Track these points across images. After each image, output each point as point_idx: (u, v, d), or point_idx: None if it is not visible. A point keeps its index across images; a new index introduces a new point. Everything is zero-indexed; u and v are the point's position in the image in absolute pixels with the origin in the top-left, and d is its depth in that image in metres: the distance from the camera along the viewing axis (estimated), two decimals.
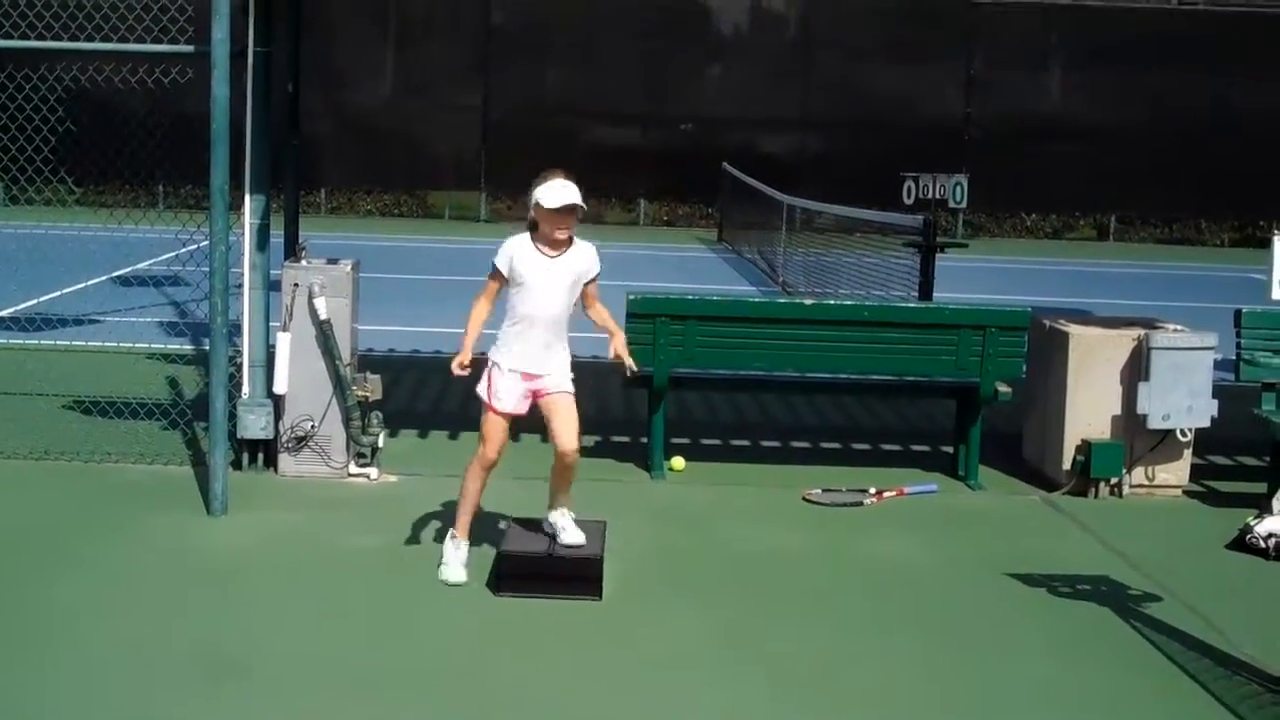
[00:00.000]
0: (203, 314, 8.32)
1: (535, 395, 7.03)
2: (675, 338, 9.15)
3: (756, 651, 6.43)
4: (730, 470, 9.68)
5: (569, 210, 6.83)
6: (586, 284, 7.05)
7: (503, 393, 6.98)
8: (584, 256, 7.03)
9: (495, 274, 7.00)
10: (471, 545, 7.26)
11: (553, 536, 7.21)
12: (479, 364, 7.04)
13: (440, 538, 7.69)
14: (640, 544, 7.75)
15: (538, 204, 6.84)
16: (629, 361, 7.12)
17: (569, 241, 6.97)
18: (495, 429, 7.03)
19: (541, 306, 6.92)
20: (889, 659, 6.41)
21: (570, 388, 7.05)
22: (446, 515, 8.10)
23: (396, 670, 6.03)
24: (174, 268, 10.15)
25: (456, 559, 7.20)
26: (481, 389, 7.06)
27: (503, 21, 26.10)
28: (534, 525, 7.33)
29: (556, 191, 6.80)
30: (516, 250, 6.96)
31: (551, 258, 6.93)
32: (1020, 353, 9.33)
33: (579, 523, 7.27)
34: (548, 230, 6.89)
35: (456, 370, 6.93)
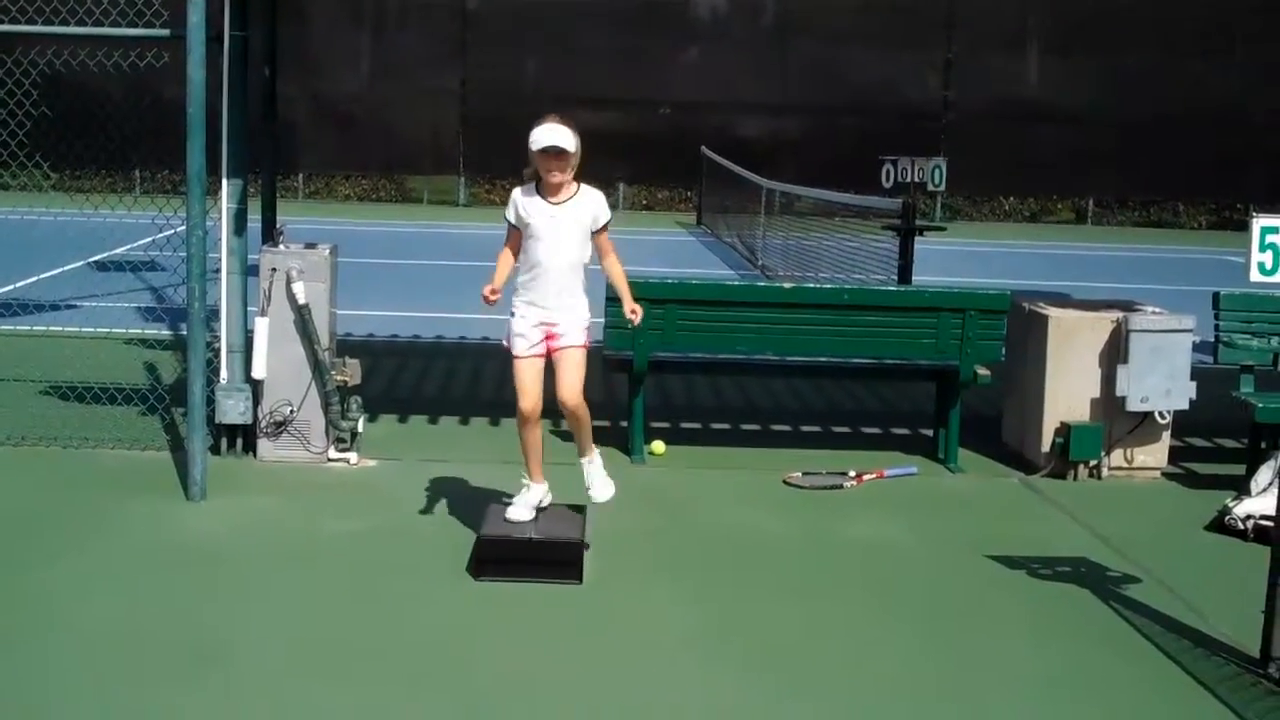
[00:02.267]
0: (180, 299, 8.30)
1: (549, 346, 7.04)
2: (655, 322, 9.13)
3: (737, 634, 6.44)
4: (710, 454, 9.68)
5: (555, 153, 6.85)
6: (596, 233, 7.07)
7: (519, 337, 7.04)
8: (590, 203, 7.05)
9: (509, 226, 7.10)
10: (451, 532, 7.25)
11: (532, 521, 7.21)
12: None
13: (420, 522, 7.72)
14: (620, 527, 7.75)
15: (530, 146, 6.89)
16: (635, 318, 7.12)
17: (568, 187, 6.99)
18: (522, 377, 7.04)
19: (548, 254, 6.97)
20: (868, 640, 6.42)
21: (579, 340, 7.06)
22: (427, 500, 8.12)
23: (377, 654, 6.02)
24: (151, 253, 10.12)
25: (523, 499, 7.25)
26: (505, 339, 7.13)
27: (479, 6, 26.01)
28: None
29: (543, 132, 6.84)
30: (521, 198, 7.04)
31: (555, 204, 6.97)
32: (999, 336, 9.34)
33: (557, 507, 7.26)
34: (542, 172, 6.93)
35: (486, 292, 6.92)
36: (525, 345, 7.04)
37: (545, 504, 7.31)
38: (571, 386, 7.01)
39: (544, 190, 6.98)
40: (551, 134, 6.83)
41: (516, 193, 7.06)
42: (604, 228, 7.10)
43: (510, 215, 7.08)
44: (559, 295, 7.00)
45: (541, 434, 7.22)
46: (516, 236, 7.10)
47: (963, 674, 6.11)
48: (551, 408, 7.16)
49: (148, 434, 9.20)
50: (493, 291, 6.95)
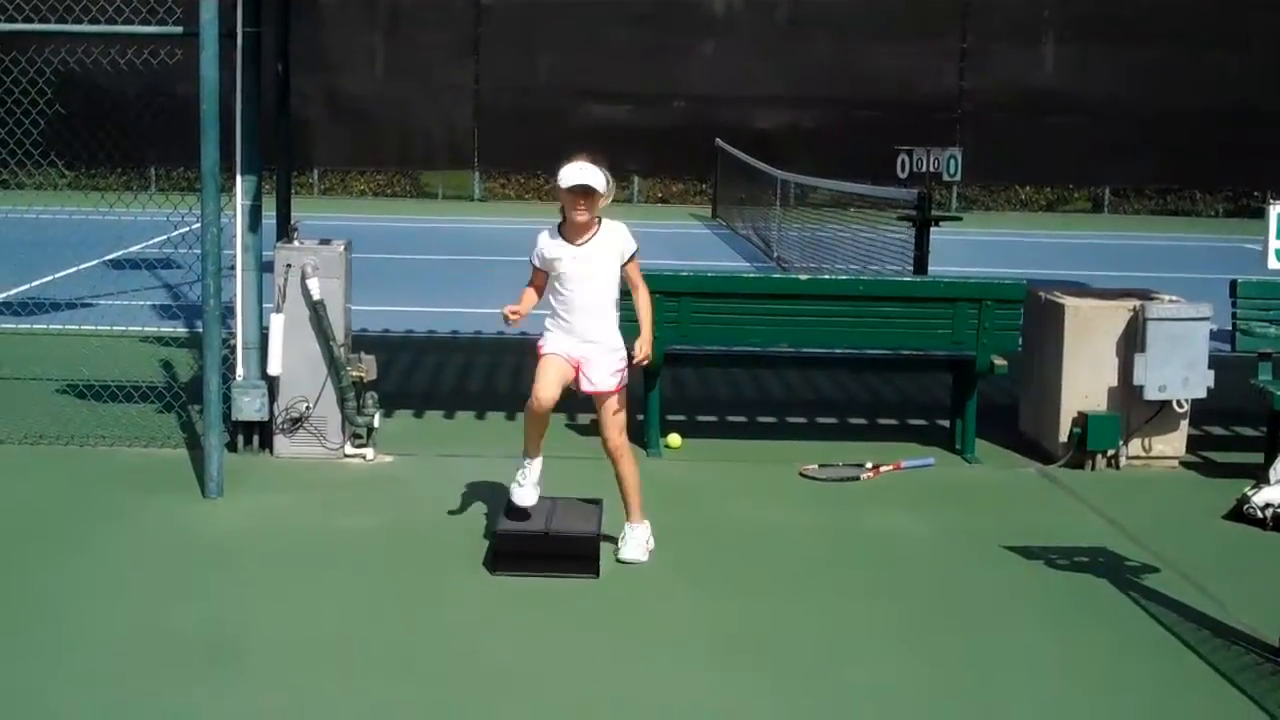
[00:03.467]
0: (196, 296, 8.29)
1: (580, 374, 7.01)
2: (670, 314, 9.13)
3: (754, 627, 6.43)
4: (726, 447, 9.67)
5: (582, 191, 6.83)
6: (625, 265, 7.05)
7: (551, 339, 7.03)
8: (614, 238, 7.02)
9: (534, 270, 7.10)
10: (468, 527, 7.24)
11: (549, 516, 7.20)
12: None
13: (436, 517, 7.73)
14: None
15: (558, 184, 6.88)
16: (641, 354, 7.08)
17: (592, 225, 6.95)
18: (544, 369, 6.99)
19: (575, 294, 6.96)
20: (887, 633, 6.41)
21: (607, 386, 7.03)
22: (443, 495, 8.12)
23: (394, 650, 6.02)
24: (166, 250, 10.13)
25: (525, 479, 7.21)
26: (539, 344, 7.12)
27: (493, 1, 25.97)
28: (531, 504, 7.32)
29: (572, 172, 6.82)
30: (544, 242, 7.04)
31: (577, 245, 6.95)
32: (1016, 325, 9.31)
33: (573, 500, 7.26)
34: (568, 210, 6.92)
35: (506, 311, 6.88)
36: (556, 346, 7.02)
37: (621, 541, 7.26)
38: (614, 426, 7.06)
39: (567, 232, 6.97)
40: (580, 173, 6.81)
41: (541, 237, 7.05)
42: (632, 258, 7.07)
43: (535, 260, 7.07)
44: (589, 330, 6.99)
45: (547, 423, 7.17)
46: (541, 277, 7.10)
47: (981, 664, 6.09)
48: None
49: (164, 432, 9.22)
50: (513, 311, 6.90)
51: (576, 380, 7.05)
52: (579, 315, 6.97)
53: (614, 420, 7.07)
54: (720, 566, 7.23)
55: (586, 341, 6.99)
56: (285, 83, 9.70)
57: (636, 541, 7.21)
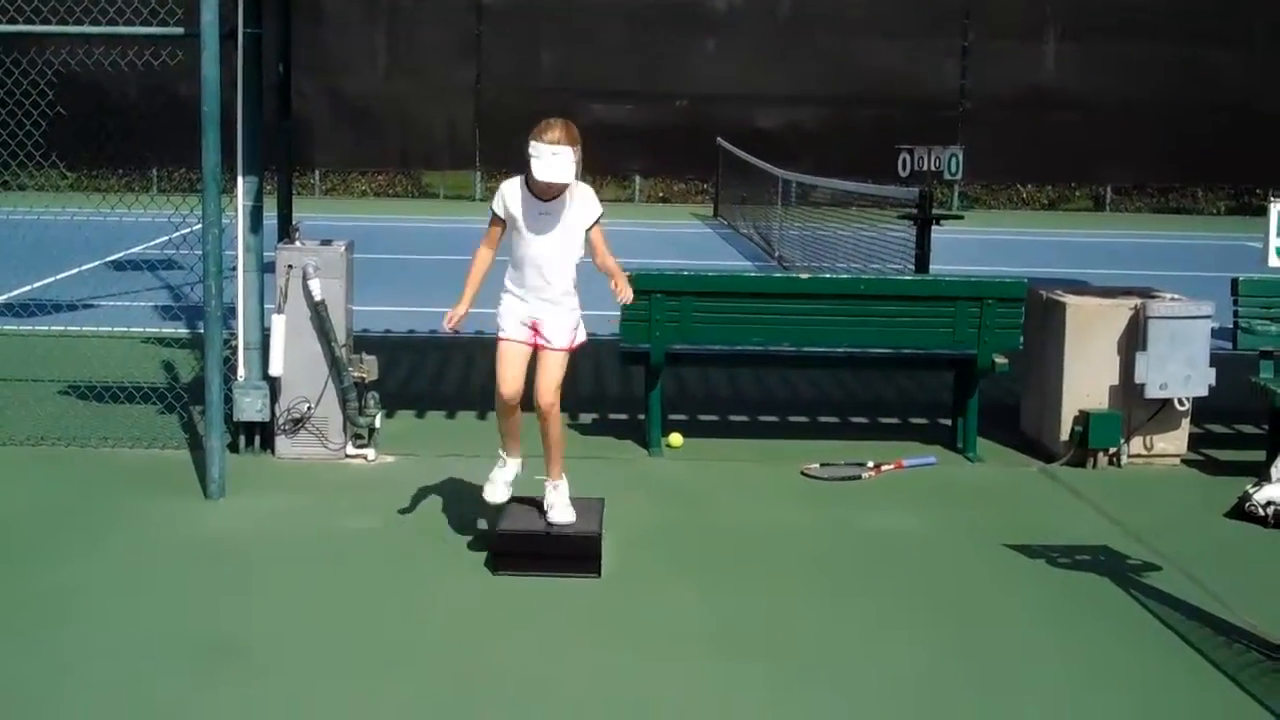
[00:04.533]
0: (197, 297, 8.30)
1: (536, 331, 6.93)
2: (671, 314, 9.13)
3: (756, 627, 6.43)
4: (728, 446, 9.67)
5: (555, 187, 6.74)
6: (588, 230, 6.90)
7: (506, 313, 6.95)
8: (579, 202, 6.86)
9: (494, 219, 6.95)
10: (469, 527, 7.24)
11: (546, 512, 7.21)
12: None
13: (438, 518, 7.72)
14: (638, 521, 7.75)
15: (528, 150, 6.71)
16: (624, 293, 6.91)
17: (562, 189, 6.79)
18: (503, 359, 6.91)
19: (536, 251, 6.84)
20: (888, 632, 6.41)
21: (561, 344, 6.94)
22: (445, 495, 8.12)
23: (396, 651, 6.02)
24: (168, 251, 10.13)
25: (498, 476, 7.18)
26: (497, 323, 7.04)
27: (493, 0, 25.98)
28: (532, 503, 7.31)
29: (545, 162, 6.62)
30: (509, 192, 6.86)
31: (544, 201, 6.80)
32: (1017, 324, 9.31)
33: (575, 500, 7.26)
34: (537, 188, 6.80)
35: (446, 326, 6.88)
36: (509, 328, 6.93)
37: (520, 477, 7.23)
38: (546, 387, 6.89)
39: (535, 187, 6.80)
40: (549, 168, 6.63)
41: (505, 185, 6.86)
42: (596, 222, 6.91)
43: (498, 208, 6.89)
44: (546, 291, 6.88)
45: (521, 418, 7.09)
46: (498, 231, 6.95)
47: (983, 663, 6.09)
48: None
49: (166, 433, 9.22)
50: (450, 321, 6.87)
51: (534, 346, 6.95)
52: (538, 272, 6.84)
53: (552, 379, 6.90)
54: (721, 565, 7.23)
55: (544, 300, 6.88)
56: (286, 83, 9.71)
57: (564, 501, 7.17)
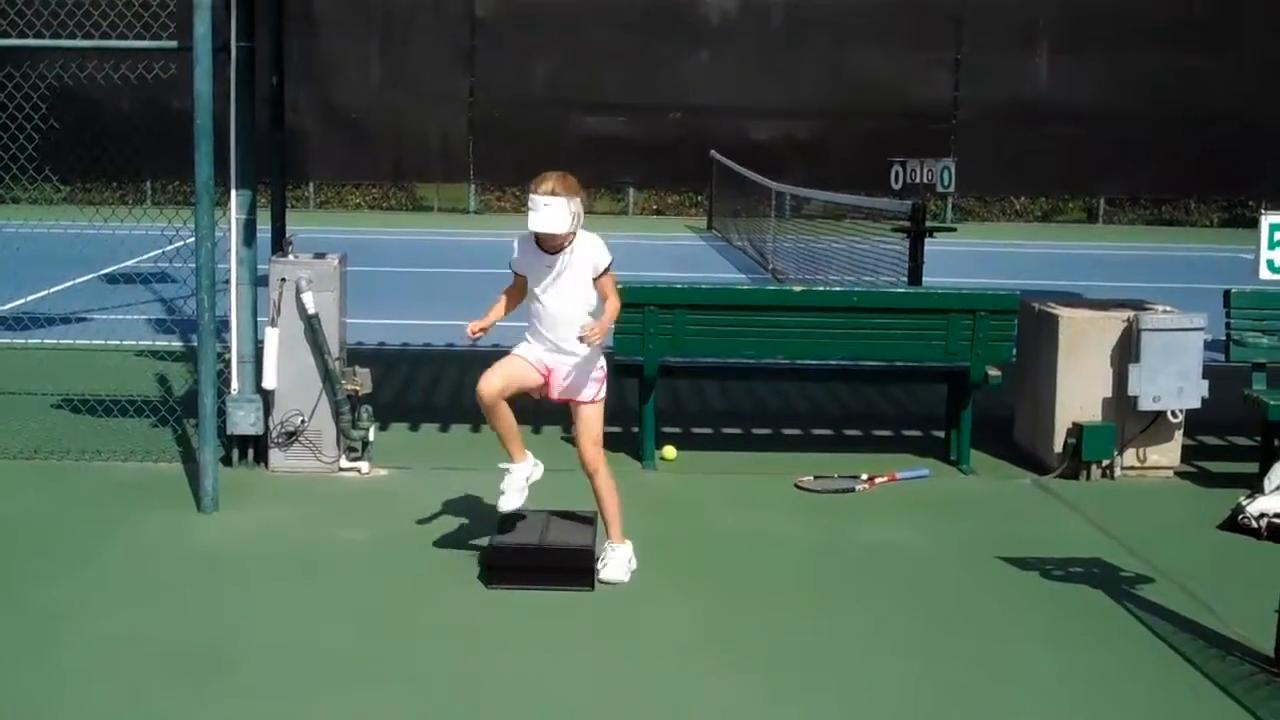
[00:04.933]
0: (191, 310, 8.30)
1: (548, 379, 6.95)
2: (665, 326, 9.14)
3: (749, 639, 6.43)
4: (722, 458, 9.67)
5: (546, 237, 6.77)
6: (597, 278, 6.87)
7: (521, 346, 7.00)
8: (587, 252, 6.86)
9: (513, 273, 7.03)
10: (463, 540, 7.24)
11: (544, 529, 7.20)
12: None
13: (432, 530, 7.73)
14: (632, 534, 7.72)
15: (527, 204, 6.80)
16: (590, 336, 6.80)
17: (565, 242, 6.82)
18: (504, 362, 6.93)
19: (545, 305, 6.88)
20: (881, 644, 6.41)
21: (587, 396, 6.99)
22: (439, 508, 8.11)
23: (389, 664, 6.02)
24: (161, 264, 10.13)
25: (507, 485, 7.10)
26: None
27: (488, 13, 26.02)
28: (526, 516, 7.31)
29: (535, 214, 6.67)
30: (520, 249, 6.96)
31: (549, 254, 6.84)
32: (1010, 336, 9.32)
33: (567, 513, 7.26)
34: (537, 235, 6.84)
35: (469, 329, 6.91)
36: (526, 351, 6.98)
37: (536, 477, 7.18)
38: (588, 438, 6.98)
39: (539, 239, 6.83)
40: (540, 219, 6.65)
41: (517, 243, 6.96)
42: (605, 271, 6.89)
43: (513, 265, 7.00)
44: (560, 341, 6.90)
45: (511, 416, 7.02)
46: (520, 281, 7.02)
47: (975, 675, 6.09)
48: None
49: (159, 446, 9.21)
50: (478, 329, 6.93)
51: (545, 388, 6.99)
52: (551, 326, 6.89)
53: (588, 434, 6.99)
54: (715, 578, 7.22)
55: (559, 352, 6.93)
56: (279, 96, 9.71)
57: (618, 562, 7.11)
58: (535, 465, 7.19)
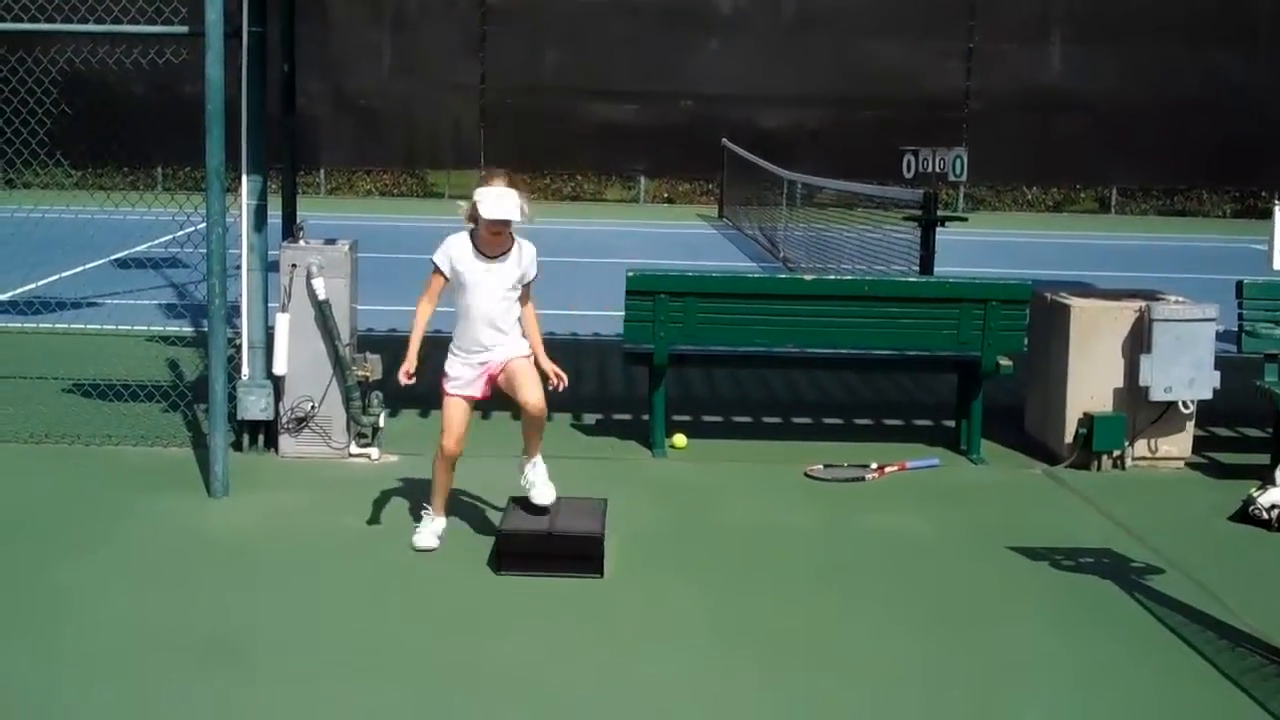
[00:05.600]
0: (202, 296, 8.31)
1: (491, 375, 7.09)
2: (675, 314, 9.13)
3: (758, 627, 6.42)
4: (732, 447, 9.66)
5: (503, 222, 6.87)
6: (526, 284, 7.13)
7: (453, 379, 7.12)
8: (524, 260, 7.07)
9: (436, 271, 7.12)
10: (472, 527, 7.25)
11: (553, 516, 7.21)
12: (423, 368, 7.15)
13: None
14: (642, 522, 7.74)
15: (475, 205, 6.90)
16: (555, 376, 7.12)
17: (509, 242, 7.01)
18: (451, 415, 7.11)
19: (481, 306, 7.01)
20: (891, 633, 6.40)
21: (524, 352, 7.10)
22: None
23: (398, 650, 6.02)
24: (172, 250, 10.13)
25: (429, 528, 7.32)
26: (443, 373, 7.18)
27: (498, 0, 25.93)
28: (534, 504, 7.31)
29: (493, 201, 6.83)
30: (455, 251, 7.05)
31: (490, 258, 6.99)
32: (1022, 326, 9.30)
33: (579, 500, 7.26)
34: (484, 233, 6.96)
35: (403, 380, 7.06)
36: (458, 385, 7.11)
37: (532, 480, 7.30)
38: (536, 392, 7.01)
39: (480, 243, 6.99)
40: (500, 205, 6.82)
41: (451, 242, 7.07)
42: (531, 281, 7.14)
43: (442, 264, 7.07)
44: (493, 336, 7.05)
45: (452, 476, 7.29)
46: (440, 284, 7.13)
47: (985, 665, 6.08)
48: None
49: (170, 431, 9.22)
50: (408, 375, 7.05)
51: (491, 379, 7.11)
52: (482, 326, 7.02)
53: (534, 381, 7.05)
54: (725, 567, 7.22)
55: (492, 347, 7.06)
56: (291, 82, 9.71)
57: (544, 476, 7.27)
58: (444, 524, 7.41)
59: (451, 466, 7.23)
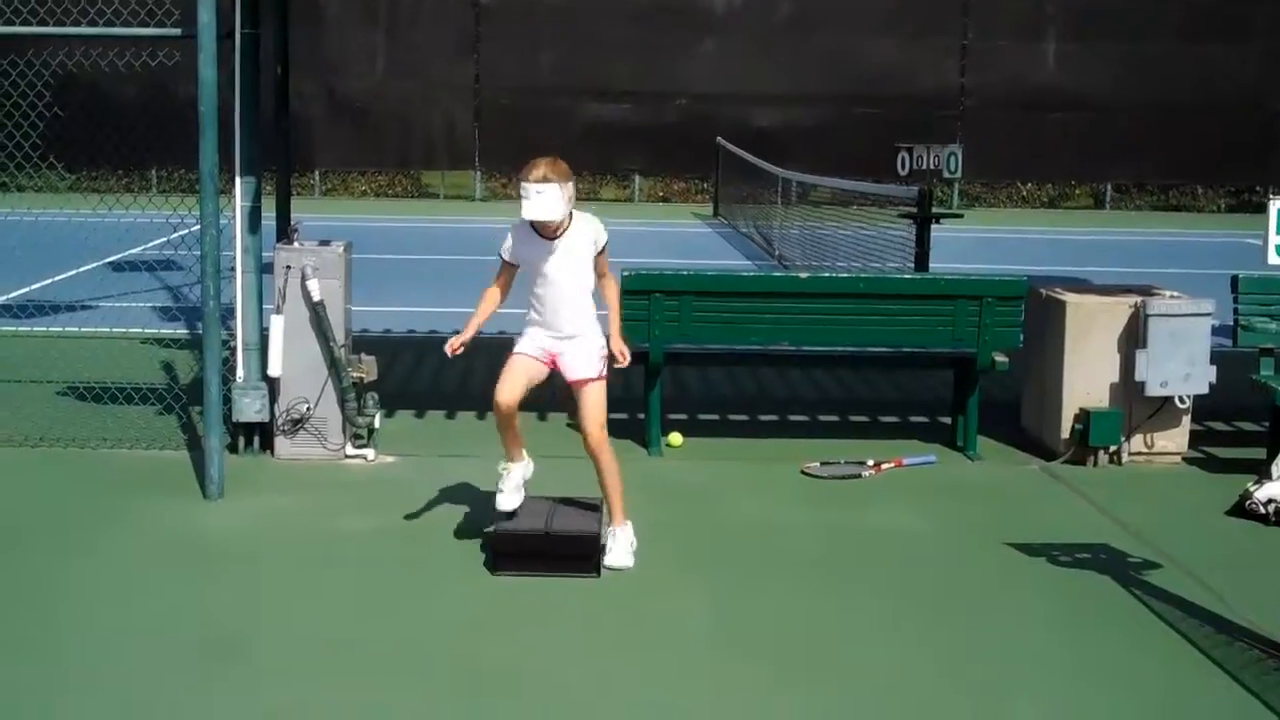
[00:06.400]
0: (196, 298, 8.29)
1: (555, 364, 6.99)
2: (670, 313, 9.13)
3: (756, 626, 6.42)
4: (728, 445, 9.66)
5: (541, 224, 6.81)
6: (598, 255, 6.97)
7: (523, 341, 7.01)
8: (586, 231, 6.94)
9: (503, 264, 7.04)
10: (469, 528, 7.24)
11: (549, 516, 7.19)
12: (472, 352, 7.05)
13: (438, 518, 7.72)
14: (638, 520, 7.71)
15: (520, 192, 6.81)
16: (620, 356, 7.05)
17: (564, 223, 6.88)
18: (510, 367, 6.95)
19: (549, 289, 6.91)
20: (888, 631, 6.40)
21: (591, 373, 6.98)
22: (444, 495, 8.11)
23: (396, 651, 6.01)
24: (166, 252, 10.12)
25: (506, 484, 7.17)
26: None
27: (492, 0, 25.92)
28: (532, 503, 7.30)
29: (529, 201, 6.70)
30: (516, 234, 6.96)
31: (548, 240, 6.88)
32: (1017, 322, 9.30)
33: (574, 500, 7.26)
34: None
35: (448, 350, 6.94)
36: (528, 345, 7.01)
37: (529, 474, 7.25)
38: (593, 419, 6.96)
39: (539, 226, 6.86)
40: (534, 207, 6.69)
41: (512, 228, 6.98)
42: (603, 250, 6.99)
43: (505, 253, 7.00)
44: (566, 324, 6.95)
45: (519, 424, 7.12)
46: (509, 275, 7.05)
47: (983, 661, 6.08)
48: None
49: (165, 433, 9.21)
50: (453, 349, 6.94)
51: (553, 374, 7.02)
52: (556, 309, 6.93)
53: (593, 413, 6.98)
54: (722, 565, 7.22)
55: (564, 337, 6.96)
56: (284, 84, 9.70)
57: (621, 546, 7.13)
58: (529, 464, 7.28)
59: (507, 424, 7.03)
